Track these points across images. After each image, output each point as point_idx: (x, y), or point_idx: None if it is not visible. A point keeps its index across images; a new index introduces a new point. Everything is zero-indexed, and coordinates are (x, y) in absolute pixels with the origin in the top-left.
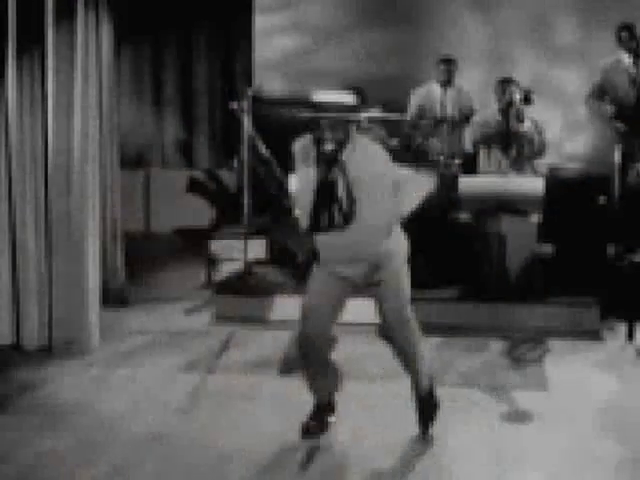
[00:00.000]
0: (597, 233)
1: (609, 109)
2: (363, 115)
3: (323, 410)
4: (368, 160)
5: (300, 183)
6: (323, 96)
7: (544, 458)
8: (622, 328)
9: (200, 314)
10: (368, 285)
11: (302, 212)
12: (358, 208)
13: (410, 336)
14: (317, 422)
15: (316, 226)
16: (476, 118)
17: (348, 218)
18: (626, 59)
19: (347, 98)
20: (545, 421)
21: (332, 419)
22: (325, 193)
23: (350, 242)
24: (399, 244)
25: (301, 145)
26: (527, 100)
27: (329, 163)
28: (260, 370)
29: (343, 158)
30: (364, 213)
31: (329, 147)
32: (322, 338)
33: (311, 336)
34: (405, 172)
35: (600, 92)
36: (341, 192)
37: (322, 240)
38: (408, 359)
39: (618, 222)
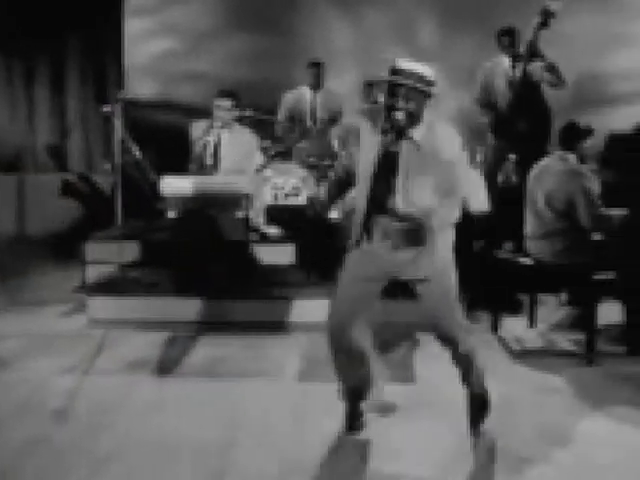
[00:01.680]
0: (464, 230)
1: (487, 120)
2: (235, 115)
3: (355, 401)
4: (437, 143)
5: (363, 154)
6: (404, 63)
7: (414, 449)
8: (487, 320)
9: (75, 317)
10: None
11: (360, 187)
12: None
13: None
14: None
15: (372, 204)
16: (345, 120)
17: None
18: (505, 62)
19: (428, 71)
20: (414, 412)
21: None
22: (386, 164)
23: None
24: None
25: (370, 110)
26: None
27: (397, 134)
28: (136, 372)
29: (412, 135)
30: (411, 194)
31: (400, 116)
32: (343, 331)
33: (333, 330)
34: (469, 175)
35: (485, 95)
36: (401, 167)
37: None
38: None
39: (484, 220)
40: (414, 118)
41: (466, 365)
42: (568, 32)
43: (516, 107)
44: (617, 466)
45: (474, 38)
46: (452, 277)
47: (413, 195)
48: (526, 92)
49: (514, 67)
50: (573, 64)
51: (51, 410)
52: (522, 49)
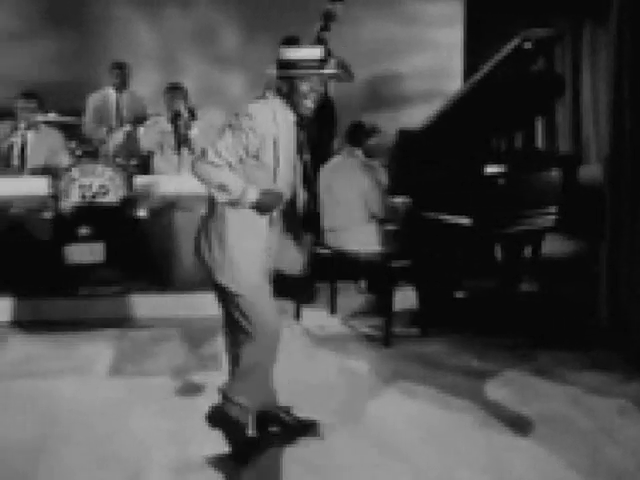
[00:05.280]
0: None
1: None
2: (40, 116)
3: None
4: None
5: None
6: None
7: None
8: (290, 310)
9: None
10: None
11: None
12: None
13: None
14: None
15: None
16: (148, 122)
17: None
18: None
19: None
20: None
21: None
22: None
23: None
24: None
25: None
26: (193, 116)
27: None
28: None
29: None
30: None
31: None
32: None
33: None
34: None
35: None
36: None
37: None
38: None
39: (284, 213)
40: None
41: None
42: (361, 36)
43: None
44: (414, 441)
45: (274, 43)
46: None
47: None
48: None
49: None
50: (368, 66)
51: None
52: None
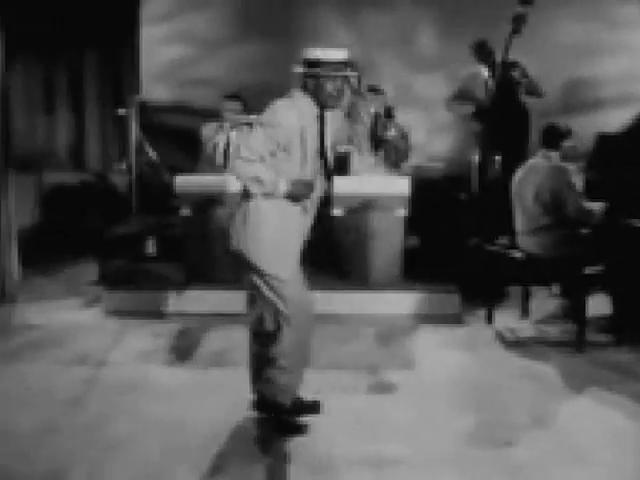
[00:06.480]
0: (459, 226)
1: (468, 108)
2: (243, 116)
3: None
4: None
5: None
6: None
7: (409, 427)
8: (482, 313)
9: (92, 309)
10: None
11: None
12: None
13: None
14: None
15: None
16: (344, 124)
17: None
18: (483, 71)
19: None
20: (410, 395)
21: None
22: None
23: None
24: None
25: None
26: (389, 115)
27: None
28: (149, 361)
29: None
30: None
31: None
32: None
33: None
34: None
35: (460, 97)
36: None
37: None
38: None
39: (478, 216)
40: None
41: None
42: (555, 39)
43: (496, 112)
44: (600, 447)
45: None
46: None
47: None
48: (505, 97)
49: (491, 75)
50: (561, 69)
51: (65, 399)
52: (498, 57)
